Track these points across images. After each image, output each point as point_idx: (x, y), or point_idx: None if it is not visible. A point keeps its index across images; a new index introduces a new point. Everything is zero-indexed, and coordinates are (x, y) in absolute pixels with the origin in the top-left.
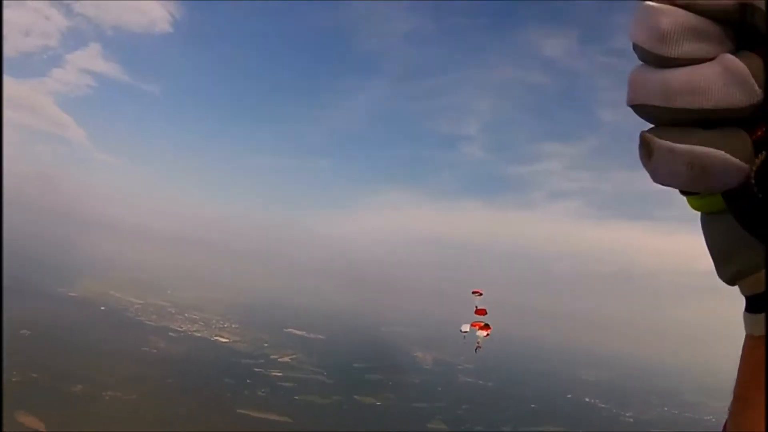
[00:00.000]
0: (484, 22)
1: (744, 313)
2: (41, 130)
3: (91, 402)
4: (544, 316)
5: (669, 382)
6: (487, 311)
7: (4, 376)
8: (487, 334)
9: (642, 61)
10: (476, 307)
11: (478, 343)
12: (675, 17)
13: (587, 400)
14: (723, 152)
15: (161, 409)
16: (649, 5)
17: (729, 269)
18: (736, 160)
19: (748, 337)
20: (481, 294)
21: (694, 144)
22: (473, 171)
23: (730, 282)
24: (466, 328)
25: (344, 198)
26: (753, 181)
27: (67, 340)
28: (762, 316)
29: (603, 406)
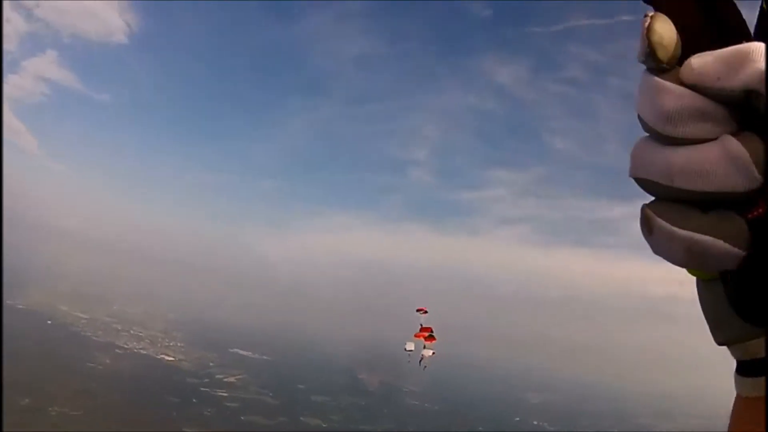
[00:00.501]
0: (436, 48)
1: (735, 374)
2: None
3: (38, 416)
4: (492, 340)
5: (618, 405)
6: (433, 330)
7: None
8: (433, 353)
9: (645, 131)
10: (421, 325)
11: (422, 356)
12: (682, 99)
13: (535, 422)
14: (721, 241)
15: (108, 425)
16: (657, 82)
17: (720, 335)
18: (733, 248)
19: (738, 398)
20: (426, 312)
21: (692, 230)
22: (421, 195)
23: (721, 344)
24: (410, 346)
25: (289, 219)
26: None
27: (15, 352)
28: (751, 380)
29: (551, 429)
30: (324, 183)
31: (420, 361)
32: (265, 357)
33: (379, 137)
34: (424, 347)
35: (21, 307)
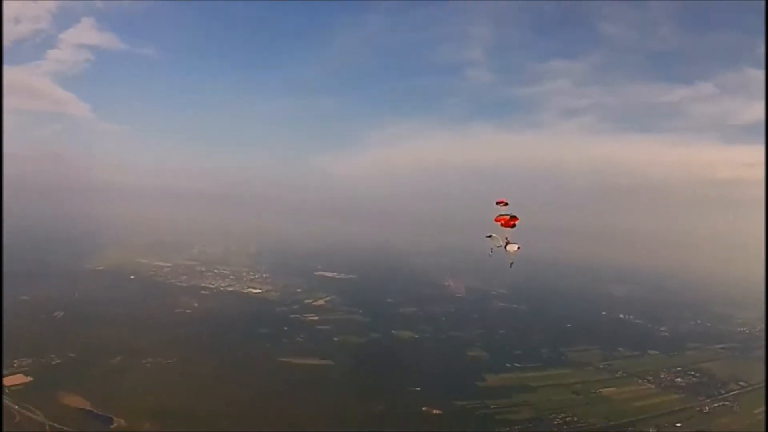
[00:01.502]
0: None
1: None
2: (43, 112)
3: (132, 372)
4: (568, 235)
5: (697, 295)
6: (507, 203)
7: (44, 360)
8: (519, 248)
9: None
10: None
11: (507, 252)
12: None
13: (621, 316)
14: None
15: (202, 368)
16: None
17: None
18: None
19: None
20: (506, 204)
21: None
22: (481, 95)
23: None
24: (493, 243)
25: (353, 135)
26: None
27: (100, 314)
28: None
29: (638, 321)
30: (383, 94)
31: (507, 260)
32: (350, 276)
33: (432, 42)
34: (508, 243)
35: (101, 268)
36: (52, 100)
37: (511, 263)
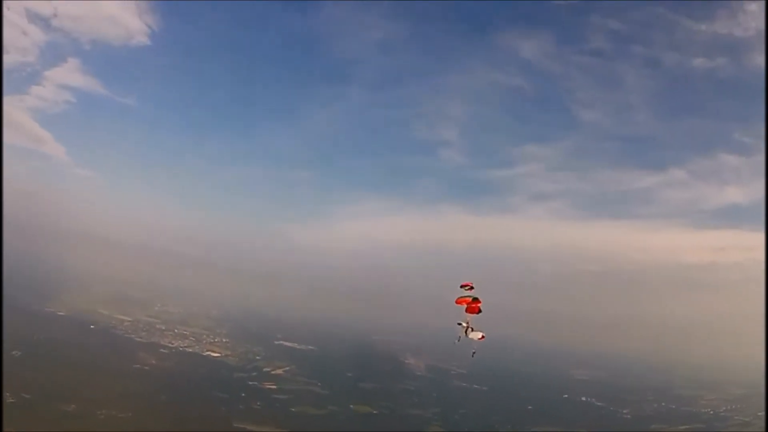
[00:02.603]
0: (459, 27)
1: None
2: (20, 147)
3: (85, 421)
4: (534, 318)
5: (662, 378)
6: (473, 285)
7: None
8: (482, 337)
9: None
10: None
11: (463, 337)
12: None
13: (583, 399)
14: None
15: (156, 425)
16: None
17: None
18: None
19: None
20: (472, 287)
21: None
22: (453, 176)
23: None
24: (461, 331)
25: (324, 208)
26: None
27: (58, 359)
28: None
29: (599, 404)
30: (355, 170)
31: (470, 348)
32: (311, 347)
33: (408, 121)
34: (471, 330)
35: (62, 314)
36: (30, 136)
37: (473, 352)
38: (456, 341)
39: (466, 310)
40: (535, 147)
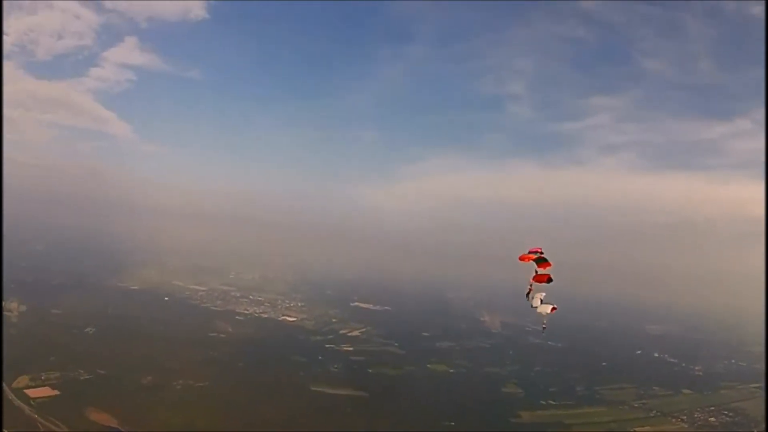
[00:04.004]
0: None
1: None
2: (84, 128)
3: (162, 392)
4: (606, 272)
5: (733, 334)
6: (550, 275)
7: (72, 374)
8: (554, 309)
9: None
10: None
11: (543, 323)
12: None
13: (656, 355)
14: None
15: (234, 392)
16: None
17: None
18: None
19: None
20: (541, 254)
21: None
22: (521, 130)
23: None
24: (536, 301)
25: (392, 168)
26: None
27: (133, 332)
28: None
29: (672, 360)
30: (423, 127)
31: (542, 328)
32: (386, 308)
33: (473, 75)
34: (541, 302)
35: (135, 288)
36: (92, 117)
37: (544, 327)
38: (542, 328)
39: (534, 278)
40: (602, 98)
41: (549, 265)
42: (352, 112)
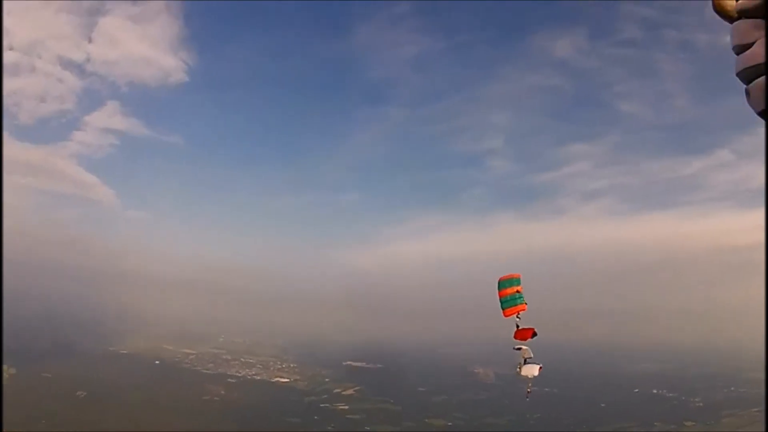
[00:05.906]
0: (490, 35)
1: None
2: (66, 194)
3: None
4: (595, 317)
5: (729, 363)
6: (534, 329)
7: None
8: (540, 368)
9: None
10: (517, 326)
11: (528, 389)
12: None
13: (654, 391)
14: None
15: None
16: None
17: None
18: None
19: None
20: (516, 280)
21: None
22: (502, 184)
23: None
24: (524, 371)
25: (375, 230)
26: None
27: (124, 397)
28: None
29: (671, 395)
30: (403, 189)
31: (526, 395)
32: (378, 365)
33: (451, 134)
34: (525, 362)
35: (125, 352)
36: (75, 182)
37: (528, 392)
38: (517, 370)
39: (516, 336)
40: (580, 145)
41: (523, 307)
42: (331, 175)
